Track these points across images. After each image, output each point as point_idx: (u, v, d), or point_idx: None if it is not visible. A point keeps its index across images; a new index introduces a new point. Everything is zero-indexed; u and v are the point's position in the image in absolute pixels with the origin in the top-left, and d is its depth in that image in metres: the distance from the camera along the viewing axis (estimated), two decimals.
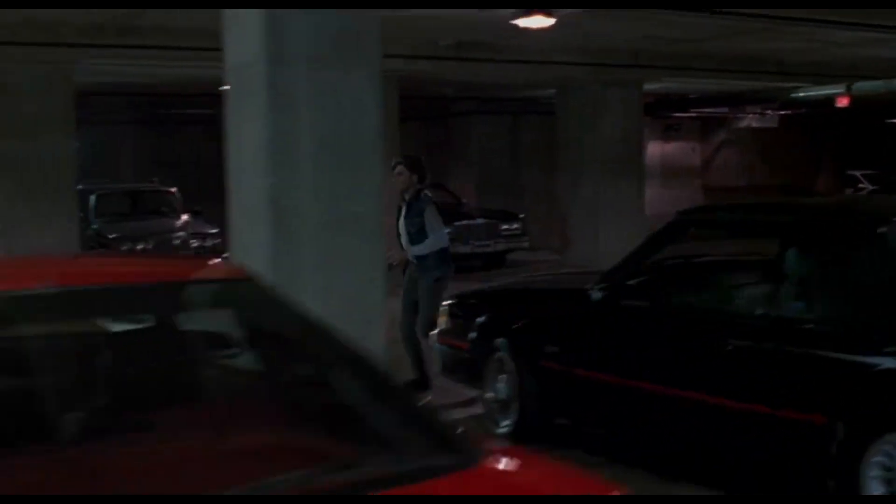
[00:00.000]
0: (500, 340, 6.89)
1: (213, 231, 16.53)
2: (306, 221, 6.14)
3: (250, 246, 6.29)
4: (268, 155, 6.10)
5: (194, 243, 16.08)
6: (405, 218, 8.29)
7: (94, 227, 16.29)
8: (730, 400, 5.45)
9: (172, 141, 24.11)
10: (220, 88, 6.63)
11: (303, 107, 6.12)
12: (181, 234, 16.43)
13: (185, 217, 17.40)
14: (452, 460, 2.48)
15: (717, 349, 5.62)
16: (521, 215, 18.04)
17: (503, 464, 2.53)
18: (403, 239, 8.34)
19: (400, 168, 8.31)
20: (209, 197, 19.81)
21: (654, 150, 24.26)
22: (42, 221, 13.59)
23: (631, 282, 6.28)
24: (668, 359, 5.89)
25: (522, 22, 12.66)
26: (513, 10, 11.90)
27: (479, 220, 17.19)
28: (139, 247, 15.71)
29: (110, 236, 15.77)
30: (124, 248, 15.59)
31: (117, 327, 3.28)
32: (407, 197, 8.32)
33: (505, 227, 17.44)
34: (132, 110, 22.81)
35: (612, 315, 6.23)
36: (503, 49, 15.02)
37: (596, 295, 6.27)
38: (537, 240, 19.02)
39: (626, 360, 6.11)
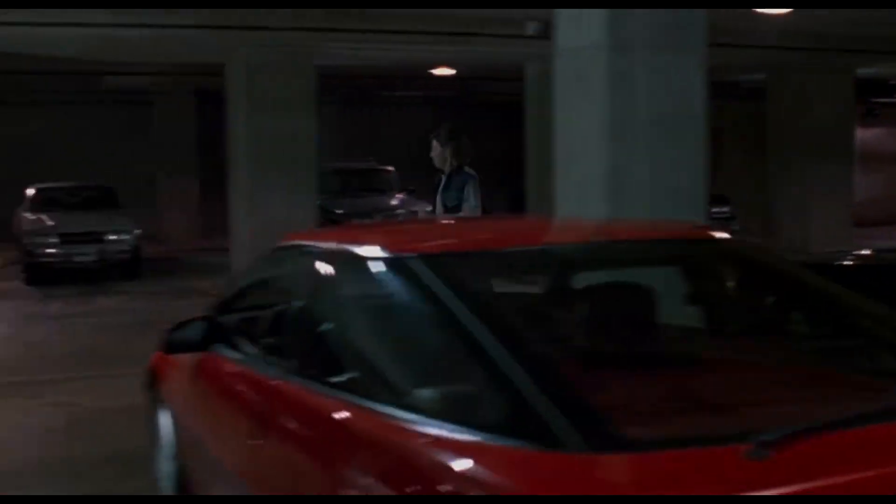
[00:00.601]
0: None
1: (429, 209, 17.16)
2: (640, 195, 6.57)
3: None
4: (606, 133, 6.56)
5: None
6: (443, 191, 7.72)
7: (318, 202, 17.08)
8: None
9: (376, 121, 24.95)
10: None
11: (639, 88, 6.57)
12: (402, 210, 17.10)
13: (400, 195, 18.10)
14: None
15: None
16: (730, 199, 18.21)
17: None
18: (439, 212, 7.81)
19: (433, 143, 7.75)
20: (417, 176, 20.59)
21: None
22: (286, 195, 14.47)
23: None
24: None
25: (760, 8, 12.90)
26: None
27: None
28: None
29: (337, 211, 16.53)
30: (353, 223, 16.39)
31: None
32: (446, 170, 7.73)
33: (715, 209, 17.59)
34: (333, 91, 23.66)
35: None
36: (723, 32, 15.18)
37: None
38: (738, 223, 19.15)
39: None
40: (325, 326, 3.49)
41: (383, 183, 18.60)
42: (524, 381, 2.49)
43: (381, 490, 2.57)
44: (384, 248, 3.32)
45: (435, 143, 7.66)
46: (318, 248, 3.73)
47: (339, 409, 2.96)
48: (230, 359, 4.14)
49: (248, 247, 14.43)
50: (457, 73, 20.37)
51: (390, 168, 19.03)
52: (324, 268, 3.60)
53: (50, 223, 15.87)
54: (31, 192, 17.31)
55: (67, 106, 23.82)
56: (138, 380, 5.83)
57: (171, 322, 4.48)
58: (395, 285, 3.15)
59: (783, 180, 17.87)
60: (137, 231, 16.04)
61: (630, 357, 3.15)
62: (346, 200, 17.13)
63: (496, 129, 27.81)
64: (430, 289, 2.96)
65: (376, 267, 3.26)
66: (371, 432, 2.75)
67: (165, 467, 5.41)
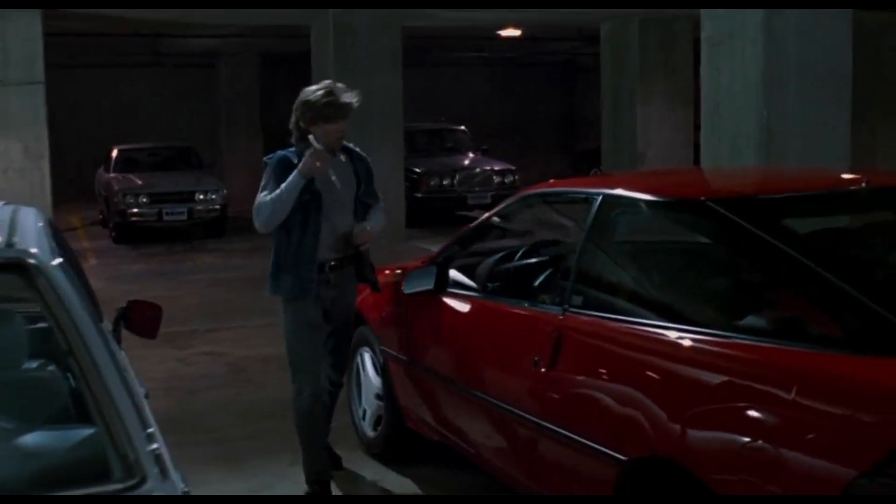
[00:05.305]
0: None
1: (510, 167, 17.49)
2: (790, 149, 6.91)
3: None
4: (761, 90, 6.87)
5: (496, 179, 17.05)
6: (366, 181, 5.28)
7: None
8: None
9: (437, 83, 25.21)
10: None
11: (791, 46, 6.87)
12: (484, 168, 17.38)
13: (473, 154, 18.40)
14: None
15: None
16: None
17: None
18: (341, 214, 5.11)
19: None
20: (484, 136, 20.93)
21: None
22: (374, 155, 14.71)
23: None
24: None
25: None
26: None
27: None
28: (445, 182, 16.82)
29: (417, 170, 16.82)
30: (432, 182, 16.73)
31: None
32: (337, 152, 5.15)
33: None
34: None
35: None
36: None
37: None
38: None
39: None
40: (622, 264, 3.84)
41: (457, 142, 18.89)
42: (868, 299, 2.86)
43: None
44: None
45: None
46: (591, 194, 4.05)
47: (669, 337, 3.30)
48: (484, 300, 4.50)
49: None
50: (521, 33, 20.59)
51: (462, 128, 19.33)
52: (609, 212, 3.94)
53: (139, 182, 16.27)
54: (114, 152, 17.68)
55: (127, 69, 24.14)
56: (275, 330, 5.95)
57: None
58: (697, 226, 3.51)
59: None
60: (225, 190, 16.40)
61: None
62: (422, 160, 17.41)
63: (554, 90, 28.08)
64: (748, 229, 3.30)
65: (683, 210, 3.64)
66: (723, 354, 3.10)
67: (368, 406, 5.78)
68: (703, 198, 3.55)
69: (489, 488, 4.96)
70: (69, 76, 23.08)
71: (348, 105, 4.98)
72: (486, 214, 4.97)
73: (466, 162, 17.80)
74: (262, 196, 4.98)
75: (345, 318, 5.29)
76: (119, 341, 4.09)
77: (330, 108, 4.94)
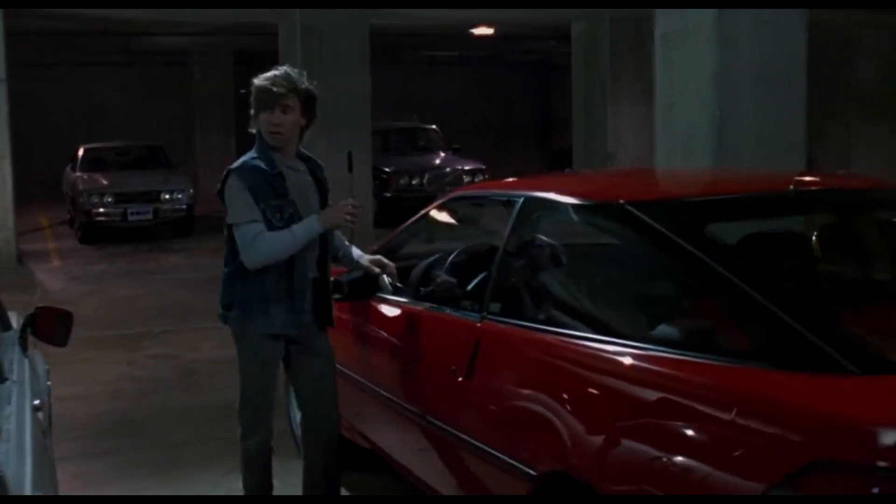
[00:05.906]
0: None
1: (480, 167, 17.35)
2: (744, 148, 6.78)
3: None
4: (714, 88, 6.74)
5: (466, 178, 16.91)
6: (320, 192, 4.42)
7: None
8: None
9: (410, 82, 25.05)
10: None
11: (745, 44, 6.74)
12: (455, 167, 17.25)
13: (444, 153, 18.27)
14: None
15: None
16: None
17: None
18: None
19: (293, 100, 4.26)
20: (458, 135, 20.79)
21: None
22: (340, 152, 14.58)
23: None
24: None
25: None
26: None
27: None
28: (414, 181, 16.67)
29: (386, 169, 16.68)
30: (402, 181, 16.58)
31: None
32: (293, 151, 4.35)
33: None
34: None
35: None
36: None
37: None
38: None
39: None
40: (544, 270, 3.70)
41: (428, 141, 18.78)
42: (787, 312, 2.73)
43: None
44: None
45: (295, 102, 4.27)
46: (513, 196, 3.91)
47: (587, 347, 3.15)
48: (412, 306, 4.36)
49: None
50: (494, 32, 20.46)
51: (434, 127, 19.20)
52: (532, 216, 3.80)
53: (104, 182, 16.07)
54: (81, 151, 17.45)
55: (99, 68, 23.93)
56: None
57: None
58: (619, 231, 3.39)
59: None
60: (192, 190, 16.21)
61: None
62: (393, 159, 17.29)
63: (529, 89, 27.97)
64: (666, 234, 3.16)
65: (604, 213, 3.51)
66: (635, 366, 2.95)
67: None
68: (621, 201, 3.40)
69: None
70: (41, 75, 22.90)
71: (276, 94, 4.15)
72: (417, 215, 4.83)
73: (437, 161, 17.67)
74: (249, 223, 4.08)
75: (317, 351, 4.36)
76: (26, 348, 3.96)
77: (261, 94, 4.21)
